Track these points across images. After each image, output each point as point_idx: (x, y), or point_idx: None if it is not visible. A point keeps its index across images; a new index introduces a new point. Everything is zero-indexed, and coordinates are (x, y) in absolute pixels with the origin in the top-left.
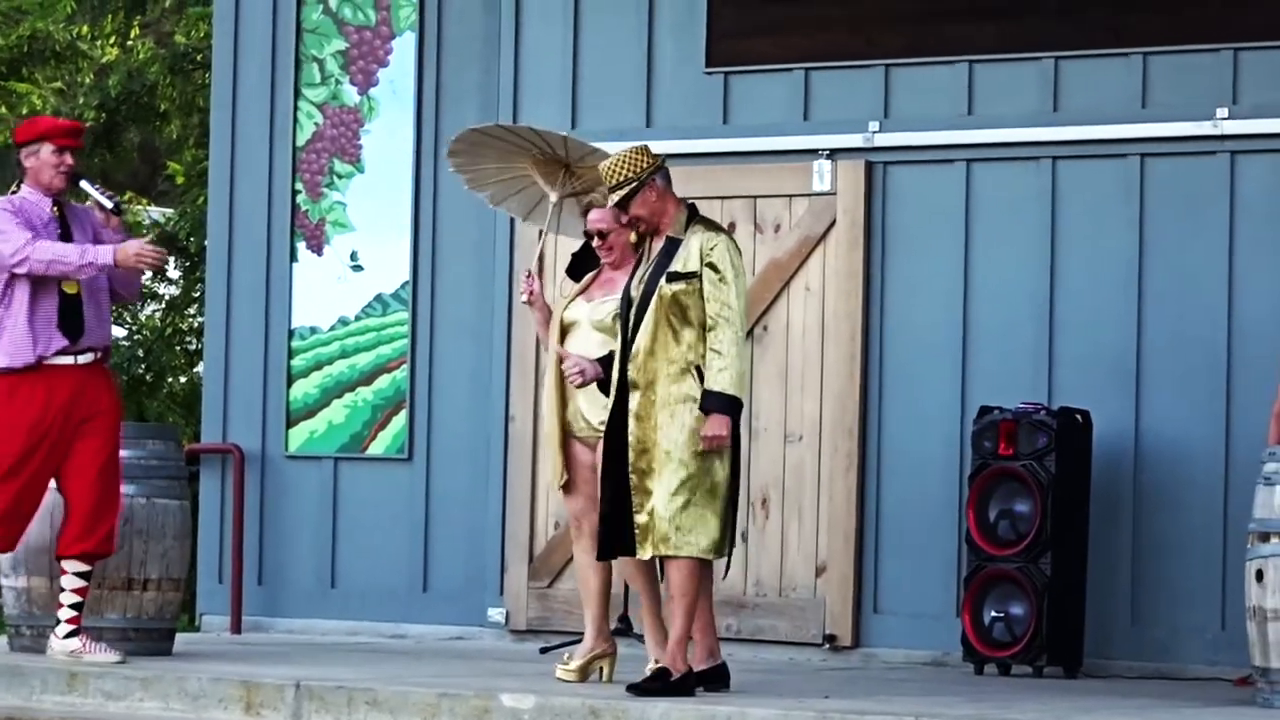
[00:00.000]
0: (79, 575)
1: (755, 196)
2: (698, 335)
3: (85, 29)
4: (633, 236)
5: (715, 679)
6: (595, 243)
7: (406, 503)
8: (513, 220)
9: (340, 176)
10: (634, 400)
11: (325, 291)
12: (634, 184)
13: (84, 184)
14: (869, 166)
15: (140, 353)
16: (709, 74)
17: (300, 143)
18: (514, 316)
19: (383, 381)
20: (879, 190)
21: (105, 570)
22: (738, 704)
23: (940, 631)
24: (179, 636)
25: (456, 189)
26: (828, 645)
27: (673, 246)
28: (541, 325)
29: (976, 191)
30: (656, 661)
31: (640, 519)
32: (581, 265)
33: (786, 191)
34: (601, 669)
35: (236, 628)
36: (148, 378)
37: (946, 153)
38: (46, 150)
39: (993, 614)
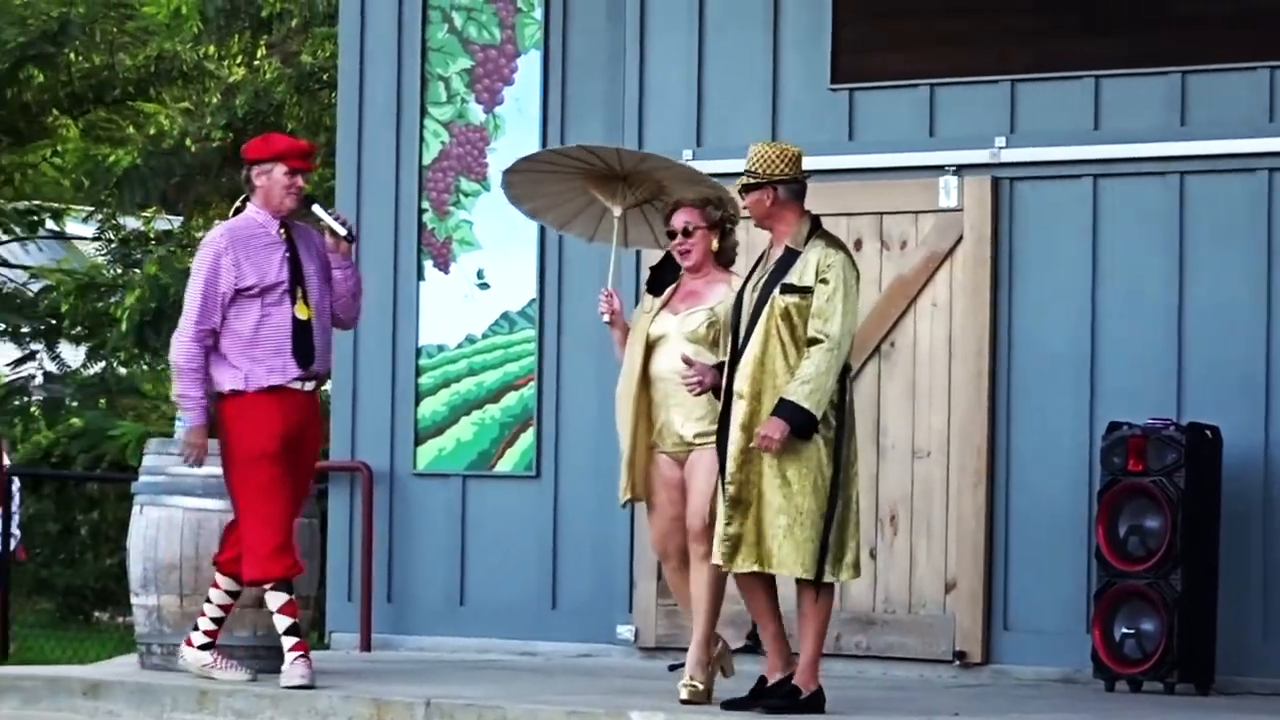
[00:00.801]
0: (230, 594)
1: (881, 213)
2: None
3: (212, 49)
4: (714, 244)
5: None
6: (676, 240)
7: (534, 520)
8: None
9: (466, 195)
10: (740, 410)
11: (452, 309)
12: (753, 180)
13: (316, 208)
14: (995, 182)
15: None
16: (834, 90)
17: (427, 161)
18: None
19: (510, 399)
20: (1005, 206)
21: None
22: None
23: (1071, 648)
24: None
25: None
26: (958, 662)
27: (790, 257)
28: (620, 344)
29: (1103, 207)
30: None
31: (731, 530)
32: (661, 278)
33: (913, 208)
34: (721, 668)
35: (366, 645)
36: None
37: (1073, 168)
38: (279, 171)
39: (1123, 630)
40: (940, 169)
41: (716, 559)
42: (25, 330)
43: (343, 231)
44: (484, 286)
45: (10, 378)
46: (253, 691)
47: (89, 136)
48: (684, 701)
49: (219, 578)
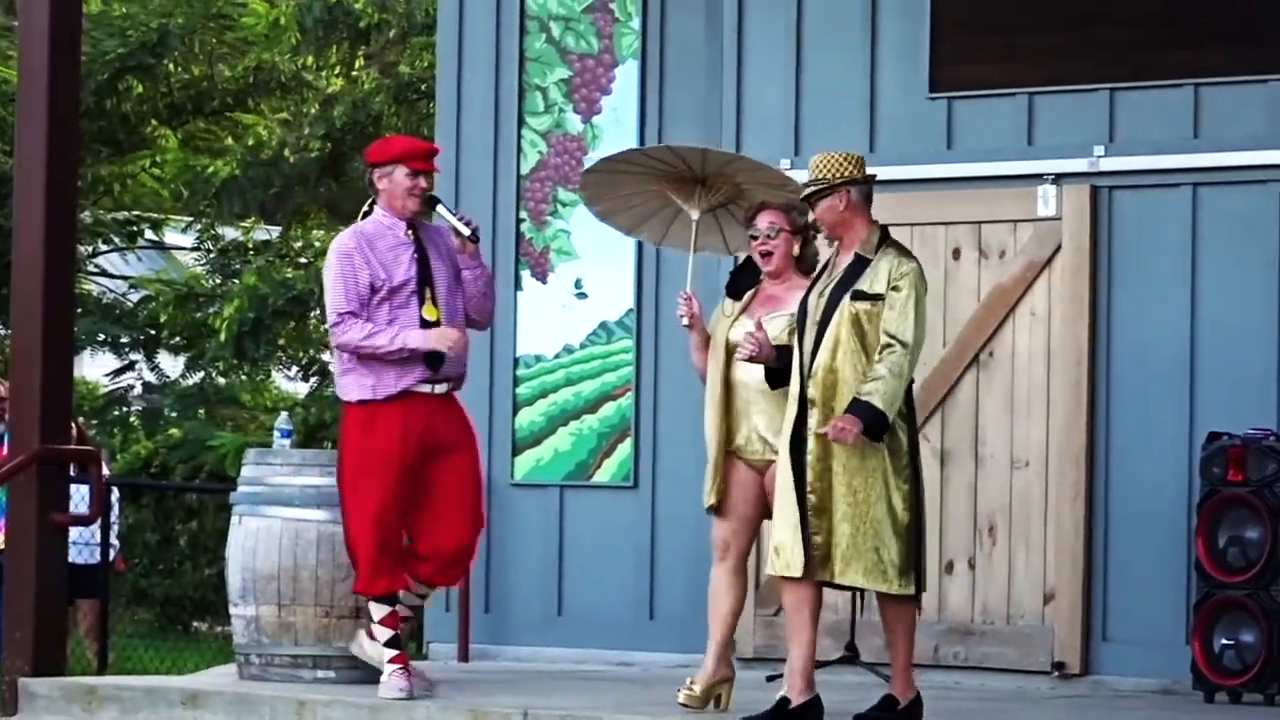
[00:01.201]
0: (420, 596)
1: (980, 222)
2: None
3: (310, 60)
4: (796, 249)
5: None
6: (758, 241)
7: (632, 530)
8: None
9: (564, 204)
10: (815, 418)
11: (550, 319)
12: (822, 186)
13: (440, 209)
14: (1094, 191)
15: None
16: (932, 99)
17: (524, 171)
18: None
19: (608, 409)
20: (1104, 215)
21: (334, 599)
22: None
23: (1170, 659)
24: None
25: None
26: (1056, 673)
27: (860, 265)
28: (699, 349)
29: (1202, 215)
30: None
31: (818, 539)
32: (740, 282)
33: (1011, 217)
34: (720, 695)
35: (464, 656)
36: None
37: (1172, 176)
38: (400, 173)
39: (1223, 641)
40: (1039, 178)
41: (782, 570)
42: (124, 340)
43: (466, 231)
44: (582, 296)
45: (109, 388)
46: (350, 701)
47: (188, 147)
48: (682, 705)
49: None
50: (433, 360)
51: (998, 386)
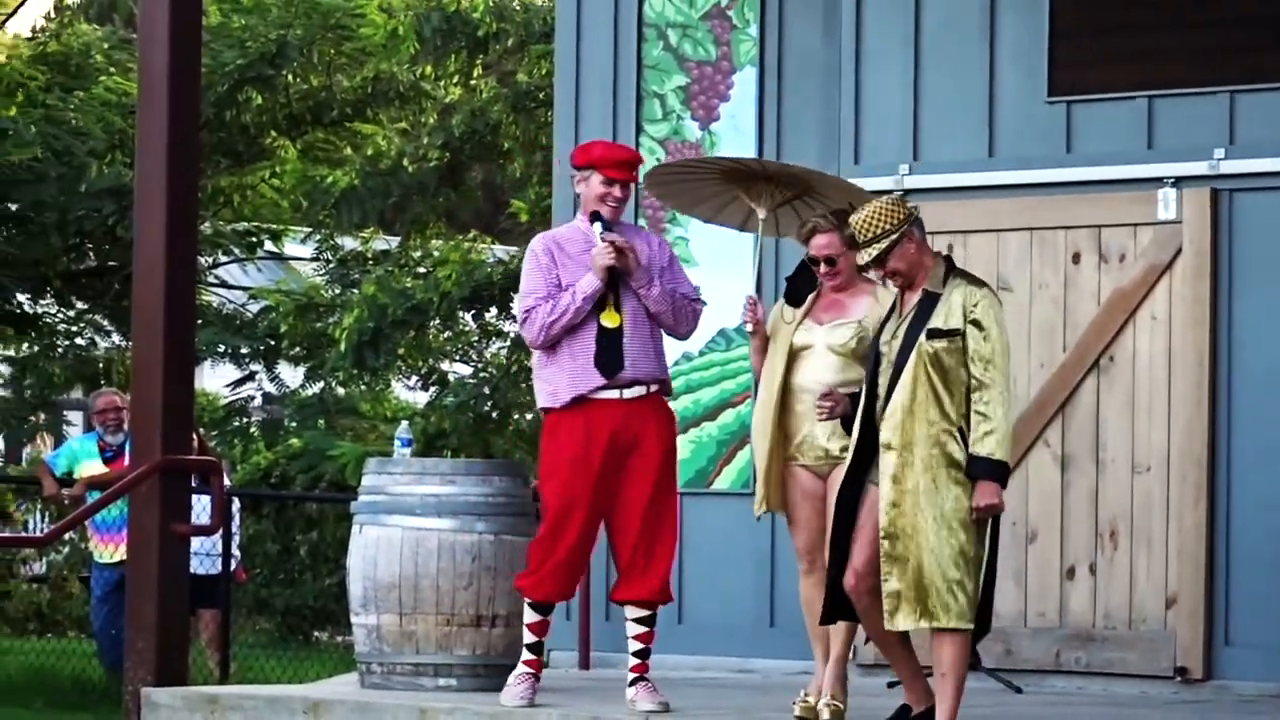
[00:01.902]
0: (637, 621)
1: (1099, 226)
2: (961, 395)
3: (429, 69)
4: (860, 257)
5: None
6: (822, 269)
7: (752, 537)
8: None
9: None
10: (890, 462)
11: None
12: (892, 237)
13: (595, 227)
14: (1214, 194)
15: (486, 390)
16: (1051, 103)
17: (642, 179)
18: None
19: (727, 416)
20: (1225, 217)
21: (455, 607)
22: None
23: None
24: None
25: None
26: (1179, 678)
27: (930, 301)
28: (758, 352)
29: None
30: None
31: (891, 586)
32: (798, 288)
33: (1131, 220)
34: (836, 707)
35: (585, 664)
36: (494, 415)
37: None
38: (596, 179)
39: None
40: (1159, 181)
41: (831, 615)
42: (245, 351)
43: (605, 261)
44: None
45: (230, 399)
46: (472, 709)
47: (307, 158)
48: (798, 718)
49: (625, 608)
50: (606, 365)
51: (1118, 391)
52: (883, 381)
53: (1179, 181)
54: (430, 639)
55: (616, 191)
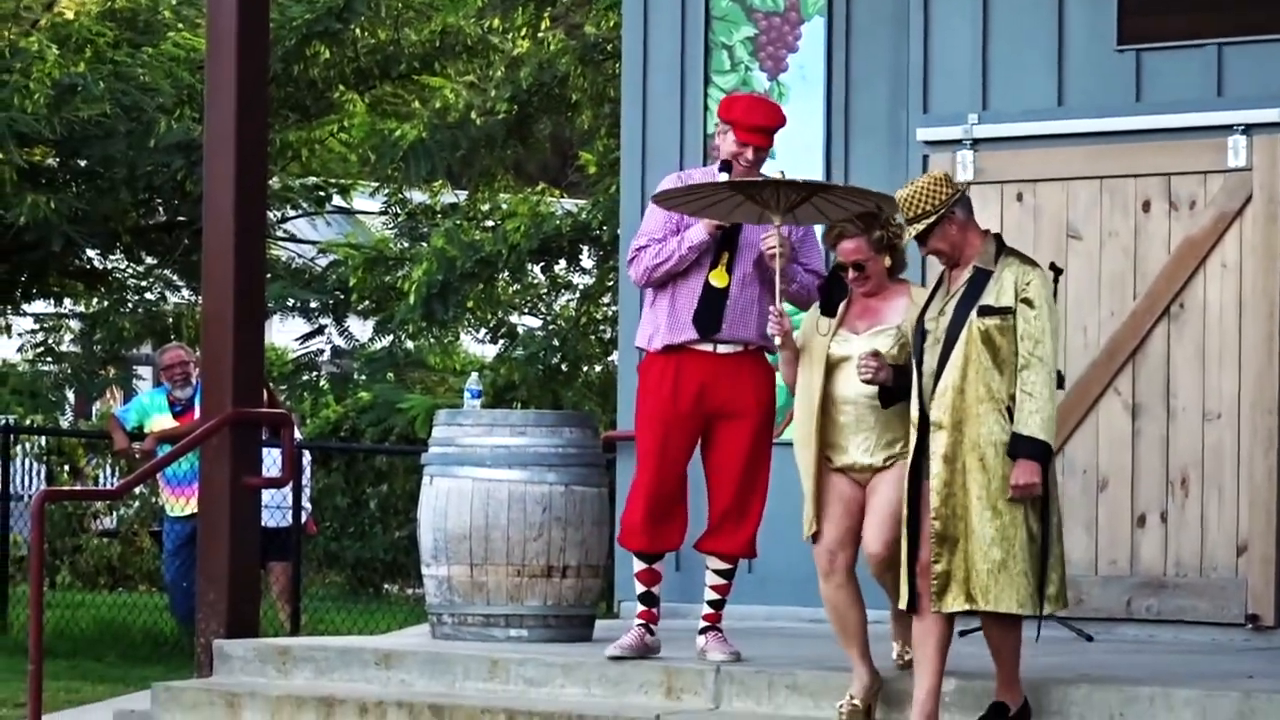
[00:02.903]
0: (716, 573)
1: (1169, 174)
2: (1010, 373)
3: (496, 22)
4: (886, 262)
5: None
6: (850, 275)
7: None
8: None
9: None
10: (940, 441)
11: None
12: (934, 216)
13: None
14: None
15: (556, 342)
16: (1120, 51)
17: (711, 130)
18: None
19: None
20: None
21: (525, 558)
22: (1160, 685)
23: None
24: (598, 623)
25: (869, 172)
26: (1250, 625)
27: (982, 278)
28: (789, 364)
29: None
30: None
31: (940, 567)
32: (832, 295)
33: (1201, 168)
34: (870, 705)
35: None
36: (563, 367)
37: None
38: (730, 137)
39: None
40: (1228, 129)
41: (912, 602)
42: (314, 305)
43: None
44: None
45: (299, 353)
46: (544, 660)
47: (375, 111)
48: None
49: (706, 559)
50: (704, 323)
51: (1189, 338)
52: (929, 359)
53: (1249, 129)
54: (501, 590)
55: (749, 154)
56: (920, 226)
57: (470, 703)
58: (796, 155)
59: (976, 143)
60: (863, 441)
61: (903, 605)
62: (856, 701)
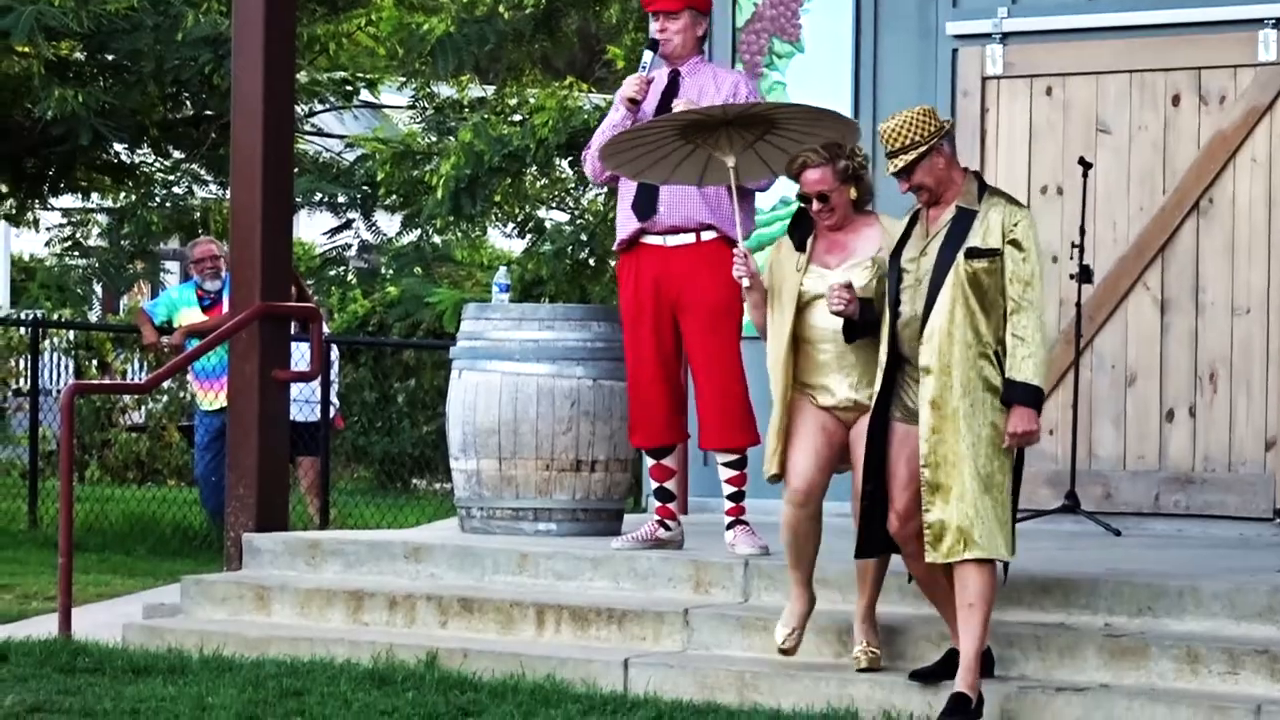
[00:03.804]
0: (726, 465)
1: (1199, 68)
2: (998, 317)
3: None
4: (852, 194)
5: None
6: (815, 207)
7: None
8: (953, 93)
9: (780, 56)
10: (929, 387)
11: None
12: (921, 149)
13: (646, 54)
14: None
15: (584, 237)
16: None
17: (739, 24)
18: None
19: None
20: None
21: (554, 452)
22: (1189, 579)
23: None
24: (626, 518)
25: (897, 66)
26: (1277, 519)
27: (965, 218)
28: (758, 306)
29: None
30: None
31: (932, 515)
32: (801, 229)
33: (1231, 62)
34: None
35: (683, 508)
36: (591, 261)
37: None
38: (651, 20)
39: None
40: (1260, 22)
41: (867, 548)
42: (341, 199)
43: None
44: None
45: (326, 247)
46: (572, 554)
47: (402, 5)
48: (862, 670)
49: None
50: (640, 207)
51: (1218, 233)
52: (908, 302)
53: None
54: (529, 484)
55: (656, 24)
56: (909, 158)
57: (499, 596)
58: (826, 48)
59: (1006, 36)
60: (845, 378)
61: (856, 556)
62: (794, 634)
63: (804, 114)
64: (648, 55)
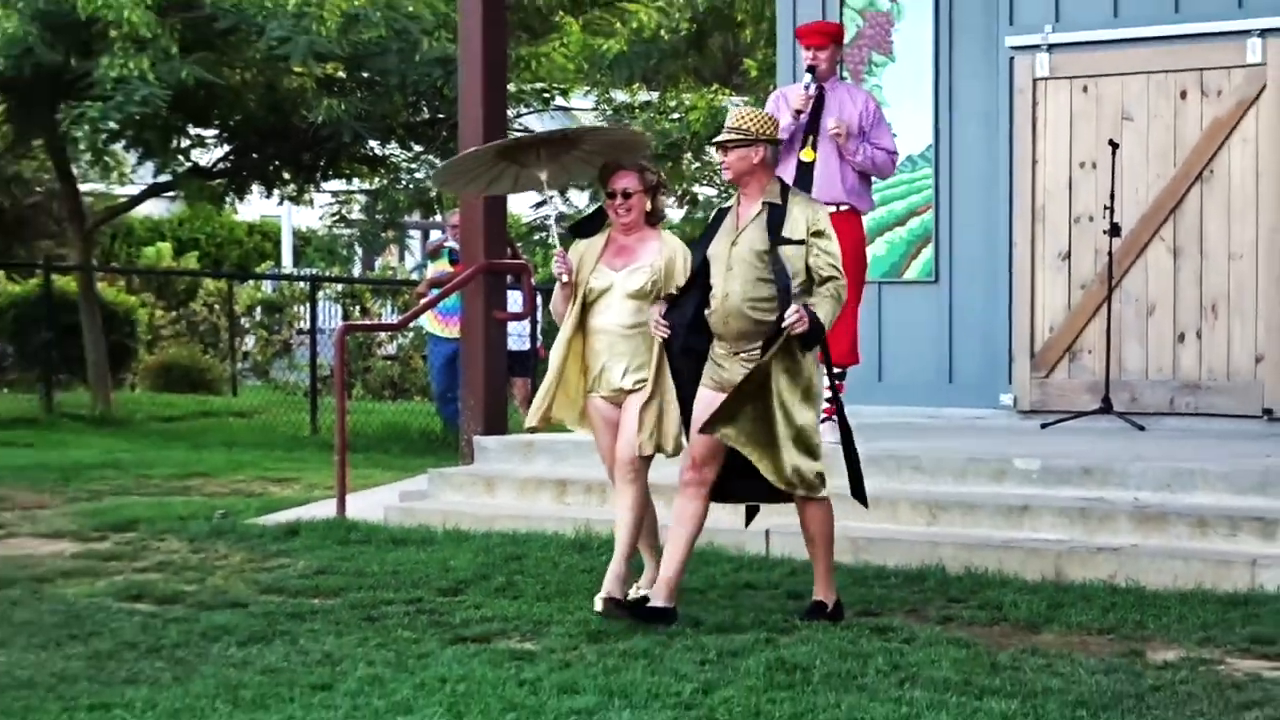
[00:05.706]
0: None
1: (1201, 69)
2: (793, 294)
3: None
4: (648, 205)
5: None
6: (617, 201)
7: (935, 315)
8: (1011, 90)
9: (877, 65)
10: (719, 348)
11: None
12: (749, 139)
13: (806, 77)
14: None
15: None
16: None
17: (847, 41)
18: (1014, 169)
19: (914, 223)
20: None
21: None
22: (1198, 461)
23: None
24: None
25: (967, 70)
26: (1265, 417)
27: (774, 212)
28: (566, 300)
29: None
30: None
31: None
32: (592, 226)
33: (1226, 64)
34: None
35: None
36: None
37: None
38: (803, 50)
39: None
40: (1248, 33)
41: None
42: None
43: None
44: (894, 136)
45: (531, 217)
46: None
47: (587, 30)
48: (598, 613)
49: None
50: (799, 187)
51: (1217, 197)
52: (719, 282)
53: (1264, 32)
54: None
55: (808, 56)
56: (735, 136)
57: (671, 483)
58: (912, 58)
59: (1052, 47)
60: (617, 366)
61: (699, 430)
62: (645, 591)
63: (596, 134)
64: (807, 77)
